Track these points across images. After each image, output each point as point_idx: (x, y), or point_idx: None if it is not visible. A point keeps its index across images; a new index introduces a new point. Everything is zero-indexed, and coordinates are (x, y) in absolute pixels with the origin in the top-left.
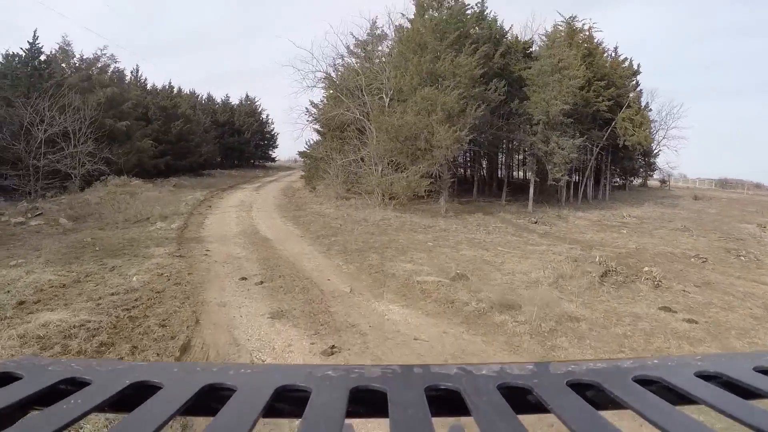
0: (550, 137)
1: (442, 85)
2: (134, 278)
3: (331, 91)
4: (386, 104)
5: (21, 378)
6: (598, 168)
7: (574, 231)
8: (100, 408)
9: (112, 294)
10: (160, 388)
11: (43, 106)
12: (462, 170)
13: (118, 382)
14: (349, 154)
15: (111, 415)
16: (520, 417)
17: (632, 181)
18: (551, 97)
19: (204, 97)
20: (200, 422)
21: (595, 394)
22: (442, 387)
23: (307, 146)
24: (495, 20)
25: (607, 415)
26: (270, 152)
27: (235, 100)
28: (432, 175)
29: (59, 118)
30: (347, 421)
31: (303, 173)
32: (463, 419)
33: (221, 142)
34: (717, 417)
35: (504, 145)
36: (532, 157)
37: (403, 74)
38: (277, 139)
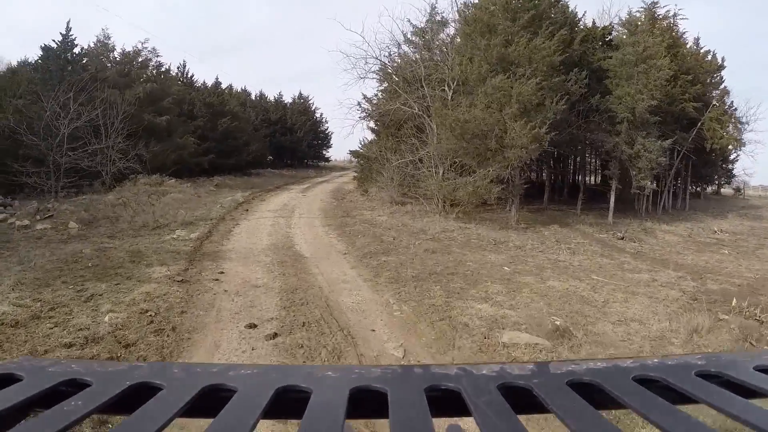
0: (636, 138)
1: (515, 74)
2: (107, 317)
3: (386, 84)
4: (449, 97)
5: (21, 379)
6: (676, 174)
7: (668, 250)
8: (101, 409)
9: (66, 345)
10: (160, 389)
11: (68, 97)
12: (528, 173)
13: (119, 383)
14: (405, 154)
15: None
16: (521, 417)
17: (705, 189)
18: (636, 91)
19: (256, 95)
20: (201, 423)
21: (595, 394)
22: (443, 387)
23: (360, 145)
24: (567, 5)
25: (608, 414)
26: (323, 152)
27: (288, 99)
28: (502, 179)
29: (86, 112)
30: (347, 421)
31: (356, 174)
32: (463, 419)
33: (272, 140)
34: (717, 416)
35: (579, 147)
36: (615, 160)
37: (469, 61)
38: (331, 138)
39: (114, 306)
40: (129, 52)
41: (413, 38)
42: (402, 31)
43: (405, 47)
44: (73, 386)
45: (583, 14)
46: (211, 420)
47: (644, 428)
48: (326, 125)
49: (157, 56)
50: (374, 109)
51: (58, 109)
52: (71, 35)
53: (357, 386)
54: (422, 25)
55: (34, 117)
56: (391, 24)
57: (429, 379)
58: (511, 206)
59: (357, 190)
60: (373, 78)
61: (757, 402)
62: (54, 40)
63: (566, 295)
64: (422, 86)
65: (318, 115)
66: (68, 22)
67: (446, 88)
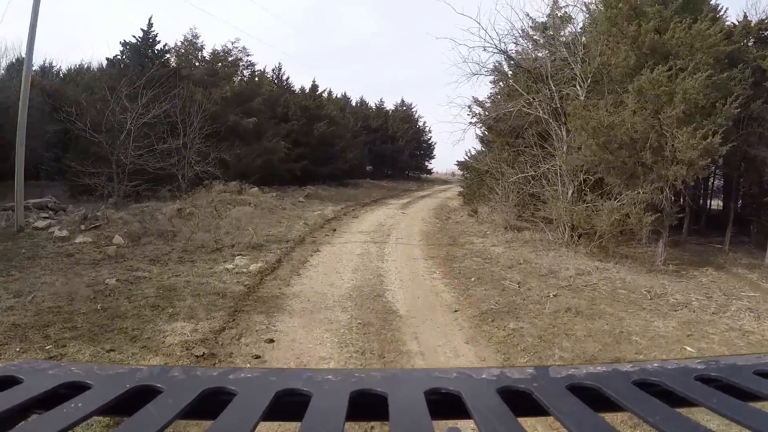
0: None
1: (672, 68)
2: None
3: (501, 84)
4: (581, 96)
5: (21, 381)
6: None
7: None
8: (101, 412)
9: None
10: (160, 392)
11: (136, 86)
12: (685, 198)
13: (119, 386)
14: (526, 167)
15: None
16: (521, 420)
17: None
18: None
19: (356, 102)
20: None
21: (595, 398)
22: (443, 390)
23: (467, 156)
24: None
25: (608, 418)
26: (426, 163)
27: (389, 106)
28: (655, 206)
29: (156, 107)
30: (347, 424)
31: (461, 189)
32: (464, 422)
33: (372, 148)
34: (717, 420)
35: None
36: None
37: (613, 51)
38: (434, 149)
39: None
40: (218, 51)
41: (533, 34)
42: (521, 26)
43: (524, 42)
44: (73, 388)
45: (725, 10)
46: (211, 422)
47: None
48: (429, 135)
49: (248, 55)
50: (486, 114)
51: (125, 102)
52: (152, 31)
53: (357, 389)
54: (543, 20)
55: (97, 111)
56: (510, 12)
57: (429, 382)
58: (658, 240)
59: (463, 209)
60: (487, 74)
61: (756, 406)
62: (134, 36)
63: None
64: (549, 85)
65: (421, 123)
66: (150, 18)
67: (577, 87)
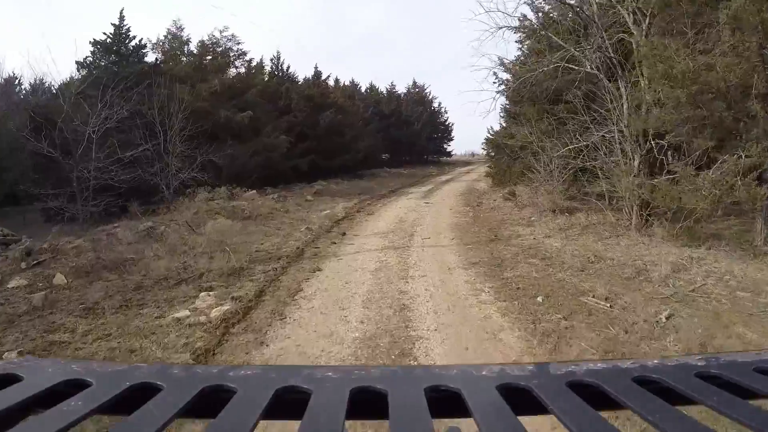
0: None
1: None
2: None
3: (529, 42)
4: (641, 36)
5: (21, 379)
6: None
7: None
8: (101, 410)
9: None
10: (160, 389)
11: (101, 89)
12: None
13: (119, 383)
14: (573, 137)
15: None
16: (520, 418)
17: None
18: None
19: (366, 89)
20: (200, 424)
21: (594, 395)
22: (443, 388)
23: (490, 133)
24: None
25: (607, 415)
26: (444, 146)
27: (401, 89)
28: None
29: (120, 107)
30: (347, 422)
31: (489, 168)
32: (464, 420)
33: (386, 135)
34: (717, 417)
35: None
36: None
37: None
38: (452, 130)
39: None
40: (205, 42)
41: None
42: None
43: None
44: (74, 386)
45: None
46: (210, 420)
47: (644, 429)
48: (446, 116)
49: (238, 44)
50: (519, 78)
51: (86, 107)
52: (125, 25)
53: (357, 387)
54: None
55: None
56: None
57: (429, 379)
58: (757, 216)
59: (494, 191)
60: (514, 29)
61: (756, 403)
62: (104, 33)
63: None
64: (599, 27)
65: (436, 104)
66: (121, 11)
67: (631, 28)
